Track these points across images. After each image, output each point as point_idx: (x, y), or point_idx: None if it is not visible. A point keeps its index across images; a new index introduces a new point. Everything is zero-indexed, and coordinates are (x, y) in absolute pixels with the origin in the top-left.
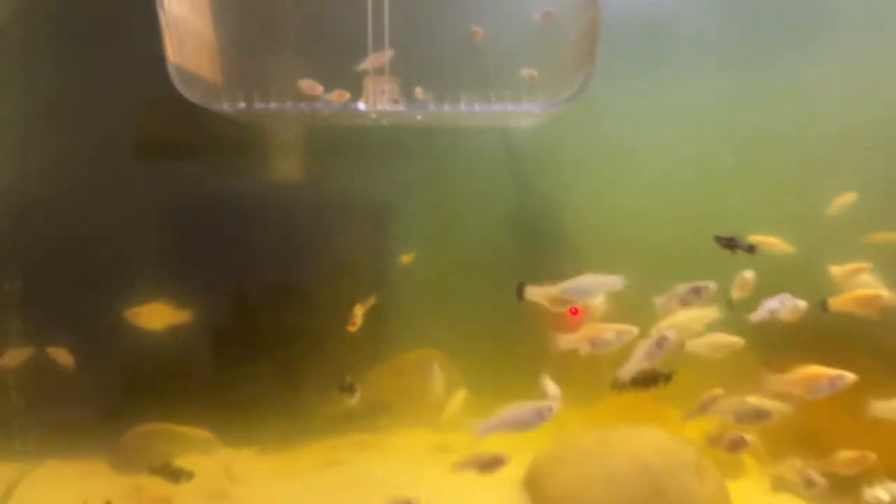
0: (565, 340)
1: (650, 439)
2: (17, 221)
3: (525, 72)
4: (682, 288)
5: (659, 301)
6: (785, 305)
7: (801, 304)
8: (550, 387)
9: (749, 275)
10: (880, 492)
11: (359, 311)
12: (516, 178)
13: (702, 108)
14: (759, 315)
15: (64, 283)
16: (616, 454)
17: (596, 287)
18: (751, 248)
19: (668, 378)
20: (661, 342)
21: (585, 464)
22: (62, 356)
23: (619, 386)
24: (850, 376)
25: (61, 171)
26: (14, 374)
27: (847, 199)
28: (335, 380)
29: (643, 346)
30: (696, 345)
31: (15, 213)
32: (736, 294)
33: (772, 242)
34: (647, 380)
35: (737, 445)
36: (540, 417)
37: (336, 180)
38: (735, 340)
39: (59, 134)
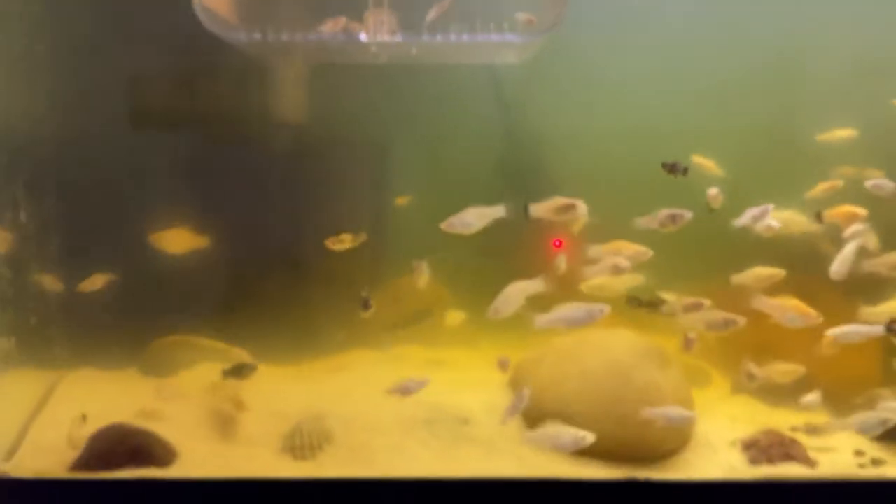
0: (593, 251)
1: (620, 339)
2: (52, 151)
3: (523, 16)
4: (662, 212)
5: (640, 221)
6: (766, 214)
7: (775, 224)
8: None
9: (714, 191)
10: (812, 397)
11: (346, 238)
12: (503, 113)
13: (681, 39)
14: (741, 221)
15: (95, 209)
16: (590, 352)
17: (478, 218)
18: (685, 171)
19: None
20: (616, 268)
21: (563, 362)
22: (99, 281)
23: (633, 302)
24: (818, 316)
25: (91, 105)
26: (54, 290)
27: (841, 134)
28: (340, 301)
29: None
30: (741, 278)
31: (51, 143)
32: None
33: (707, 165)
34: (660, 302)
35: (689, 344)
36: (591, 317)
37: (340, 119)
38: (776, 272)
39: (90, 69)
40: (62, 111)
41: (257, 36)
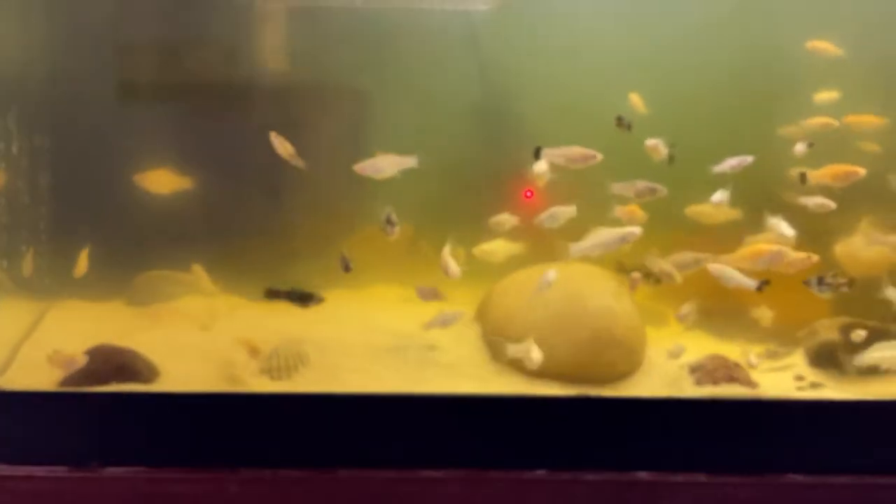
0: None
1: (580, 271)
2: (43, 87)
3: None
4: (641, 183)
5: (616, 187)
6: (743, 162)
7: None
8: None
9: (652, 142)
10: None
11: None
12: (478, 63)
13: None
14: (721, 168)
15: (82, 148)
16: (553, 284)
17: (390, 165)
18: (629, 126)
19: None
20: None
21: (526, 293)
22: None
23: (618, 268)
24: (787, 252)
25: (80, 53)
26: (41, 222)
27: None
28: (314, 248)
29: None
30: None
31: (41, 79)
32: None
33: (636, 102)
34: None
35: (633, 283)
36: (624, 240)
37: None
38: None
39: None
40: (52, 49)
41: None
